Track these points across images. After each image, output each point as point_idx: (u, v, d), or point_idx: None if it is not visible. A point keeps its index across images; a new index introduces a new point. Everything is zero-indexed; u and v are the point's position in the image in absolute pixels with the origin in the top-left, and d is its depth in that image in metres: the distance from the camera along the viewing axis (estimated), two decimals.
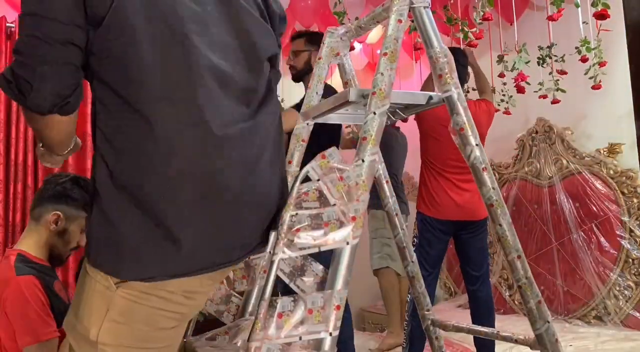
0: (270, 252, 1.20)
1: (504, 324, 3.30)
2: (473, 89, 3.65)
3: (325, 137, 1.89)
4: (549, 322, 1.22)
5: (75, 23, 0.88)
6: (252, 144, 1.00)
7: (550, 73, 3.33)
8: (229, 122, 0.96)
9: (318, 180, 1.05)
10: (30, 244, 1.75)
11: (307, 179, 1.09)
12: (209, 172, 0.93)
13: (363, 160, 1.05)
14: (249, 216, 1.00)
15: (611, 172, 3.39)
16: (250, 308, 1.22)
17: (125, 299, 0.91)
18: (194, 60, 0.93)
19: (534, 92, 3.39)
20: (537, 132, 3.76)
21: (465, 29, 3.33)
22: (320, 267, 1.21)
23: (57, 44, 0.87)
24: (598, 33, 3.10)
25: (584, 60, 3.18)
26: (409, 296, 2.87)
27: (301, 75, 2.55)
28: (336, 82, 2.42)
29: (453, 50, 3.12)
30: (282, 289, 1.33)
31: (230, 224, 0.97)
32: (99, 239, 0.92)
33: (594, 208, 3.40)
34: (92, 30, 0.90)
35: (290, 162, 1.40)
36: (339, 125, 2.63)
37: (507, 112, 3.54)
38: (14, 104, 3.13)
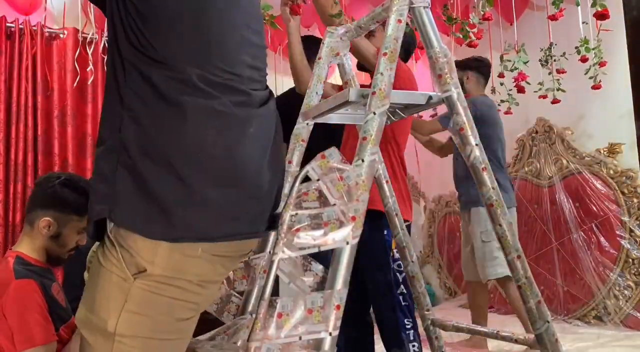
0: (270, 252, 1.20)
1: (504, 324, 3.30)
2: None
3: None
4: (548, 322, 1.22)
5: None
6: (269, 125, 1.05)
7: (550, 73, 3.33)
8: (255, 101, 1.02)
9: (318, 180, 1.05)
10: (28, 246, 1.75)
11: (307, 178, 1.09)
12: (233, 145, 0.96)
13: (363, 160, 1.05)
14: (268, 194, 1.03)
15: (611, 172, 3.39)
16: (250, 308, 1.22)
17: (143, 290, 0.92)
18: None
19: (534, 92, 3.39)
20: (537, 132, 3.76)
21: (467, 28, 3.32)
22: (320, 267, 1.21)
23: None
24: (598, 33, 3.10)
25: (584, 60, 3.18)
26: None
27: None
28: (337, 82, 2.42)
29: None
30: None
31: (254, 197, 1.00)
32: (126, 196, 0.92)
33: (594, 208, 3.40)
34: None
35: (290, 162, 1.40)
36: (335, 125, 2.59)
37: (507, 112, 3.54)
38: (14, 104, 3.14)
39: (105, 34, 3.46)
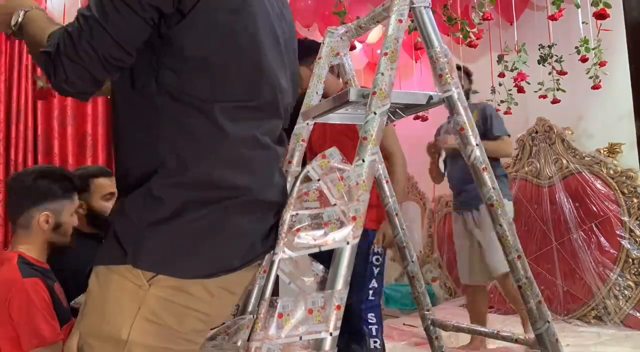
0: (270, 252, 1.20)
1: (504, 324, 3.30)
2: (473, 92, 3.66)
3: None
4: (549, 322, 1.22)
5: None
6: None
7: (550, 73, 3.33)
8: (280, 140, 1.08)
9: (318, 180, 1.06)
10: (28, 247, 1.74)
11: (307, 179, 1.09)
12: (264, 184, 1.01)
13: (363, 160, 1.05)
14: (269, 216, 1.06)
15: (611, 172, 3.39)
16: (250, 308, 1.22)
17: (157, 297, 0.91)
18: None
19: (534, 92, 3.39)
20: (537, 132, 3.77)
21: (467, 28, 3.33)
22: (321, 267, 1.21)
23: (111, 62, 0.92)
24: (598, 33, 3.11)
25: (584, 60, 3.19)
26: None
27: None
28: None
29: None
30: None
31: (273, 228, 1.04)
32: (148, 238, 0.92)
33: (594, 208, 3.40)
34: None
35: (290, 162, 1.40)
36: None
37: (507, 112, 3.54)
38: (14, 104, 3.14)
39: None
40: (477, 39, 3.35)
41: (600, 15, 2.94)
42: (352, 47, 3.24)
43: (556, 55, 3.32)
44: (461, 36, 3.39)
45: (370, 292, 2.22)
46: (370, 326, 2.21)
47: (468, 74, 3.14)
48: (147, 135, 0.96)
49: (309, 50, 1.88)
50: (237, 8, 0.96)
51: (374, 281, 2.24)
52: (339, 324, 0.94)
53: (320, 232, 1.01)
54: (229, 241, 0.95)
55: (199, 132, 0.95)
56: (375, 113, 1.09)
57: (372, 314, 2.22)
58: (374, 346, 2.20)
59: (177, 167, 0.93)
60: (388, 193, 1.60)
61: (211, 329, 1.20)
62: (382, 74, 1.13)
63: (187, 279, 0.92)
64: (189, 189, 0.93)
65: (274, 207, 1.04)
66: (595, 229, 3.40)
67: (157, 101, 0.95)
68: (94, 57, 0.90)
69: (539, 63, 3.39)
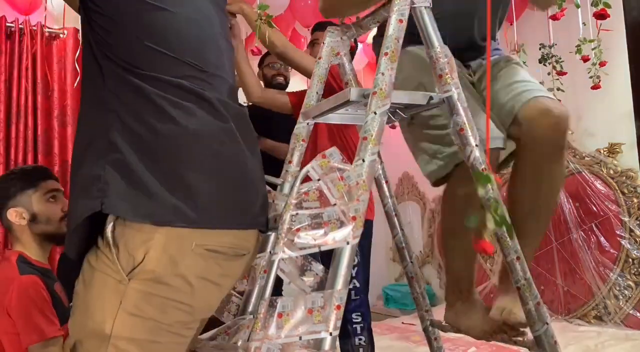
0: (270, 252, 1.20)
1: None
2: None
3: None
4: (547, 323, 1.22)
5: None
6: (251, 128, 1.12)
7: (550, 73, 3.33)
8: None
9: (318, 180, 1.06)
10: (24, 247, 1.75)
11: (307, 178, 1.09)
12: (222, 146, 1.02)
13: (364, 160, 1.05)
14: (253, 188, 1.07)
15: (611, 172, 3.39)
16: (250, 308, 1.22)
17: (137, 290, 0.93)
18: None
19: None
20: None
21: None
22: (320, 267, 1.21)
23: None
24: (598, 33, 3.10)
25: (584, 60, 3.18)
26: None
27: None
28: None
29: None
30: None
31: (239, 189, 1.03)
32: (119, 188, 0.93)
33: (594, 208, 3.40)
34: None
35: (290, 162, 1.40)
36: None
37: None
38: (14, 104, 3.14)
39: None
40: None
41: (600, 15, 2.94)
42: (352, 48, 3.24)
43: (556, 56, 3.32)
44: None
45: (353, 292, 2.26)
46: (354, 325, 2.27)
47: None
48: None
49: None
50: None
51: (354, 281, 2.28)
52: (339, 324, 0.94)
53: (320, 232, 1.01)
54: (186, 194, 0.95)
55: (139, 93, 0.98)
56: (375, 113, 1.09)
57: (357, 314, 2.27)
58: (359, 343, 2.25)
59: (130, 133, 0.96)
60: (387, 193, 1.60)
61: (210, 329, 1.21)
62: (383, 73, 1.13)
63: (138, 221, 0.93)
64: (143, 151, 0.95)
65: (232, 166, 1.03)
66: (595, 229, 3.40)
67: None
68: None
69: (540, 62, 3.38)
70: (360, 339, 2.26)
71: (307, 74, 2.21)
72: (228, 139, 1.02)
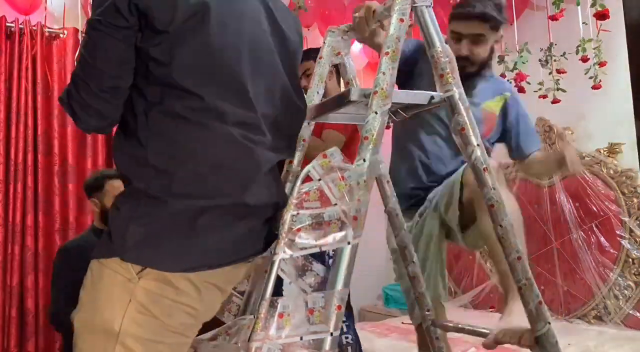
0: (271, 252, 1.20)
1: None
2: None
3: None
4: (549, 323, 1.22)
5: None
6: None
7: (550, 73, 3.33)
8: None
9: (319, 180, 1.05)
10: None
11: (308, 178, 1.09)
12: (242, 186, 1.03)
13: (365, 160, 1.04)
14: (267, 225, 1.10)
15: (611, 172, 3.39)
16: (250, 308, 1.22)
17: (147, 289, 0.95)
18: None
19: (534, 92, 3.39)
20: (537, 132, 3.76)
21: None
22: (321, 267, 1.21)
23: (107, 90, 0.98)
24: (598, 33, 3.10)
25: (584, 60, 3.18)
26: None
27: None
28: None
29: None
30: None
31: (259, 231, 1.07)
32: (134, 233, 0.96)
33: (594, 208, 3.40)
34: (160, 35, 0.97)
35: (291, 162, 1.40)
36: None
37: None
38: (14, 104, 3.13)
39: None
40: None
41: (601, 16, 2.94)
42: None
43: (556, 56, 3.32)
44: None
45: None
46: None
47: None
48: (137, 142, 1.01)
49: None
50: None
51: None
52: (340, 324, 0.94)
53: (321, 232, 1.01)
54: (208, 239, 0.98)
55: (181, 138, 0.99)
56: (376, 113, 1.09)
57: None
58: (346, 342, 2.28)
59: (162, 170, 0.98)
60: (389, 193, 1.59)
61: (210, 329, 1.20)
62: (384, 73, 1.13)
63: (169, 272, 0.95)
64: (172, 190, 0.97)
65: (256, 210, 1.05)
66: (595, 229, 3.40)
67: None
68: (91, 92, 0.96)
69: (542, 66, 3.38)
70: (346, 338, 2.29)
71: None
72: (255, 183, 1.04)
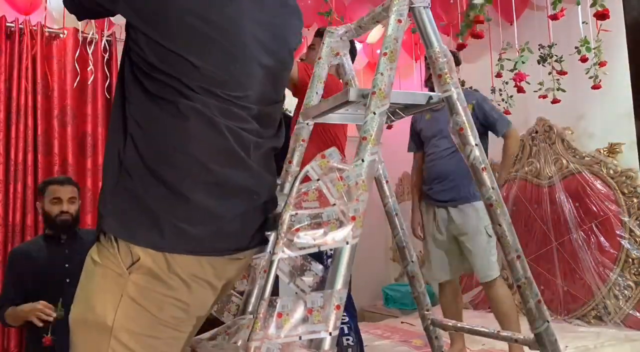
0: (270, 252, 1.20)
1: None
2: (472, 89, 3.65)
3: None
4: (548, 321, 1.22)
5: None
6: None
7: (550, 73, 3.33)
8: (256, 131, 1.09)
9: (318, 180, 1.06)
10: None
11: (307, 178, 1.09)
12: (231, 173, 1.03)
13: (363, 160, 1.05)
14: (257, 214, 1.09)
15: (611, 172, 3.39)
16: (250, 308, 1.22)
17: (137, 284, 0.96)
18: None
19: (534, 92, 3.39)
20: (537, 132, 3.76)
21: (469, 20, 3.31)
22: (320, 266, 1.21)
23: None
24: (598, 33, 3.11)
25: (584, 60, 3.19)
26: None
27: None
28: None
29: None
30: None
31: (243, 217, 1.05)
32: (123, 209, 0.98)
33: (594, 208, 3.40)
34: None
35: (290, 162, 1.40)
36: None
37: (507, 112, 3.54)
38: (14, 104, 3.14)
39: (106, 35, 3.46)
40: (479, 38, 3.35)
41: (601, 16, 2.95)
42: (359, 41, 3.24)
43: (556, 55, 3.32)
44: (460, 38, 3.39)
45: None
46: (342, 325, 2.30)
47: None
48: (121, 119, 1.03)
49: None
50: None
51: None
52: (339, 323, 0.95)
53: (320, 232, 1.01)
54: (191, 218, 0.98)
55: (165, 117, 1.00)
56: (374, 113, 1.09)
57: (343, 314, 2.30)
58: (347, 344, 2.28)
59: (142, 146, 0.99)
60: (388, 193, 1.60)
61: (210, 329, 1.21)
62: (382, 74, 1.13)
63: (142, 246, 0.96)
64: (151, 164, 0.98)
65: (244, 196, 1.05)
66: (595, 229, 3.40)
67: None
68: None
69: (538, 63, 3.39)
70: (348, 339, 2.29)
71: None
72: (239, 166, 1.04)
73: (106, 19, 3.15)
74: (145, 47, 0.99)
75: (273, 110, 1.16)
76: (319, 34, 2.60)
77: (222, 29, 1.02)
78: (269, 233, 1.19)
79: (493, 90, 3.61)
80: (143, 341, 0.96)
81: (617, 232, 3.30)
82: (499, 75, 3.45)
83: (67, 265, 2.36)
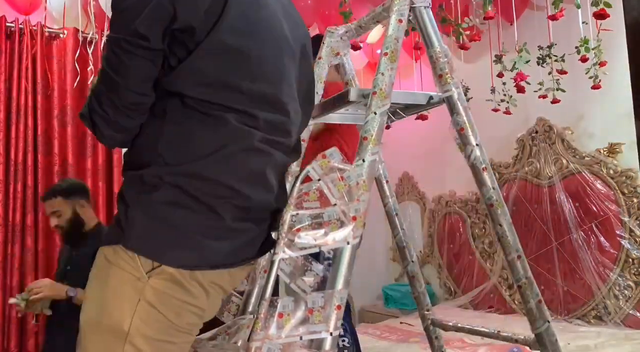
0: (270, 252, 1.20)
1: (503, 324, 3.30)
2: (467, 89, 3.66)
3: None
4: (548, 321, 1.22)
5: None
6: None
7: (550, 73, 3.33)
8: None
9: (319, 180, 1.06)
10: None
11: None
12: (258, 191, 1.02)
13: (364, 160, 1.05)
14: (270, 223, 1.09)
15: (611, 172, 3.39)
16: (250, 308, 1.22)
17: (156, 289, 0.94)
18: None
19: (534, 92, 3.39)
20: (537, 132, 3.76)
21: (460, 30, 3.33)
22: (321, 267, 1.21)
23: (132, 108, 0.98)
24: (598, 33, 3.11)
25: (584, 60, 3.18)
26: None
27: None
28: None
29: None
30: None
31: (261, 229, 1.05)
32: (146, 226, 0.95)
33: (594, 208, 3.40)
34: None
35: None
36: None
37: (507, 112, 3.54)
38: (14, 104, 3.14)
39: (105, 35, 3.45)
40: (477, 40, 3.35)
41: (600, 15, 2.94)
42: (357, 47, 3.24)
43: (556, 56, 3.32)
44: (454, 38, 3.40)
45: None
46: None
47: None
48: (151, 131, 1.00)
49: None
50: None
51: None
52: (340, 324, 0.95)
53: (321, 232, 1.01)
54: (215, 238, 0.97)
55: (197, 132, 0.97)
56: (375, 113, 1.09)
57: None
58: (343, 345, 2.28)
59: (172, 161, 0.97)
60: (388, 193, 1.60)
61: (210, 329, 1.21)
62: (382, 74, 1.13)
63: (170, 266, 0.94)
64: (180, 181, 0.95)
65: (265, 213, 1.05)
66: (595, 229, 3.40)
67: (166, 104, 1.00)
68: (116, 109, 0.96)
69: (538, 63, 3.39)
70: (344, 341, 2.28)
71: None
72: (266, 186, 1.03)
73: (106, 18, 3.15)
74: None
75: (300, 130, 1.18)
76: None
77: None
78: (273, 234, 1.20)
79: (493, 90, 3.61)
80: (158, 346, 0.94)
81: (617, 232, 3.30)
82: (500, 75, 3.45)
83: (68, 267, 2.37)
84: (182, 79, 0.97)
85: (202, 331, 1.20)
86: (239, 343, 1.14)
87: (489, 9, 3.04)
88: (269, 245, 1.11)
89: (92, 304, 0.97)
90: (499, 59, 3.45)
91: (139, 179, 0.97)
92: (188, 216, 0.94)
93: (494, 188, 1.23)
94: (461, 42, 3.35)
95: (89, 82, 3.36)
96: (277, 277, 1.17)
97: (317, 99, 1.48)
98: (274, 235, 1.11)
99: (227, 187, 0.96)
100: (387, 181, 1.60)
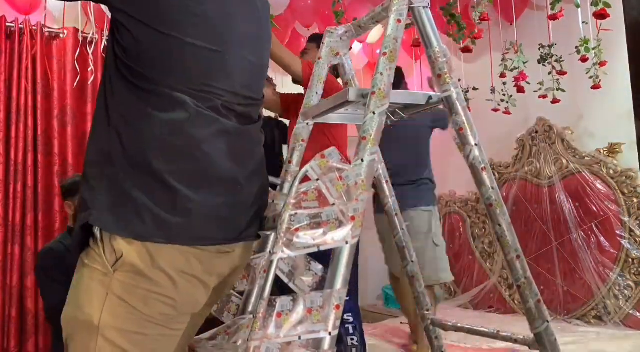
0: (269, 251, 1.20)
1: (503, 323, 3.30)
2: (474, 89, 3.66)
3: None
4: (547, 321, 1.22)
5: None
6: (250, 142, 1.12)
7: (550, 73, 3.33)
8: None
9: (317, 180, 1.06)
10: None
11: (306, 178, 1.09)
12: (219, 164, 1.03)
13: (362, 160, 1.05)
14: (245, 206, 1.09)
15: (611, 172, 3.39)
16: (250, 308, 1.22)
17: (122, 282, 0.97)
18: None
19: (534, 92, 3.39)
20: (537, 132, 3.76)
21: (462, 33, 3.33)
22: (320, 266, 1.21)
23: None
24: (598, 33, 3.11)
25: (584, 60, 3.19)
26: None
27: None
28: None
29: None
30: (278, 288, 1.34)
31: (228, 208, 1.05)
32: (107, 202, 0.98)
33: (594, 208, 3.40)
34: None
35: (290, 162, 1.40)
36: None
37: (507, 112, 3.54)
38: (14, 104, 3.13)
39: (106, 34, 3.46)
40: (477, 38, 3.35)
41: (600, 15, 2.95)
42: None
43: (556, 55, 3.32)
44: (453, 40, 3.40)
45: None
46: (347, 325, 2.33)
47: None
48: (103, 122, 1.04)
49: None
50: None
51: None
52: (338, 323, 0.95)
53: (319, 231, 1.01)
54: (172, 207, 0.98)
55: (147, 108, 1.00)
56: (374, 113, 1.09)
57: (348, 314, 2.32)
58: (352, 343, 2.30)
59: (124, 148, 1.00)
60: (388, 193, 1.60)
61: (210, 329, 1.21)
62: (381, 73, 1.13)
63: (124, 237, 0.96)
64: (131, 164, 0.98)
65: (225, 182, 1.04)
66: (595, 229, 3.40)
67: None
68: None
69: (539, 63, 3.39)
70: (352, 339, 2.30)
71: (283, 65, 2.31)
72: (220, 155, 1.03)
73: (106, 19, 3.15)
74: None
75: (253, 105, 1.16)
76: (312, 39, 2.67)
77: (215, 17, 1.04)
78: (267, 233, 1.19)
79: (493, 90, 3.61)
80: (130, 338, 0.97)
81: (617, 232, 3.31)
82: (502, 75, 3.45)
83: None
84: (118, 58, 1.01)
85: (202, 331, 1.21)
86: (239, 343, 1.14)
87: (484, 10, 3.04)
88: (249, 234, 1.10)
89: (69, 302, 1.02)
90: (503, 59, 3.45)
91: (96, 157, 1.02)
92: (142, 186, 0.97)
93: (493, 188, 1.23)
94: (461, 44, 3.35)
95: (89, 82, 3.36)
96: (277, 277, 1.17)
97: (317, 98, 1.48)
98: (273, 235, 1.11)
99: (176, 153, 0.99)
100: (387, 181, 1.60)
